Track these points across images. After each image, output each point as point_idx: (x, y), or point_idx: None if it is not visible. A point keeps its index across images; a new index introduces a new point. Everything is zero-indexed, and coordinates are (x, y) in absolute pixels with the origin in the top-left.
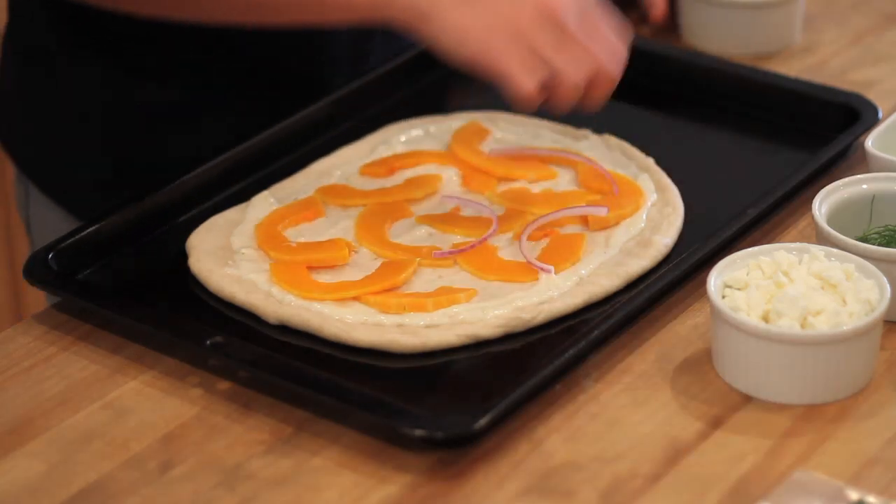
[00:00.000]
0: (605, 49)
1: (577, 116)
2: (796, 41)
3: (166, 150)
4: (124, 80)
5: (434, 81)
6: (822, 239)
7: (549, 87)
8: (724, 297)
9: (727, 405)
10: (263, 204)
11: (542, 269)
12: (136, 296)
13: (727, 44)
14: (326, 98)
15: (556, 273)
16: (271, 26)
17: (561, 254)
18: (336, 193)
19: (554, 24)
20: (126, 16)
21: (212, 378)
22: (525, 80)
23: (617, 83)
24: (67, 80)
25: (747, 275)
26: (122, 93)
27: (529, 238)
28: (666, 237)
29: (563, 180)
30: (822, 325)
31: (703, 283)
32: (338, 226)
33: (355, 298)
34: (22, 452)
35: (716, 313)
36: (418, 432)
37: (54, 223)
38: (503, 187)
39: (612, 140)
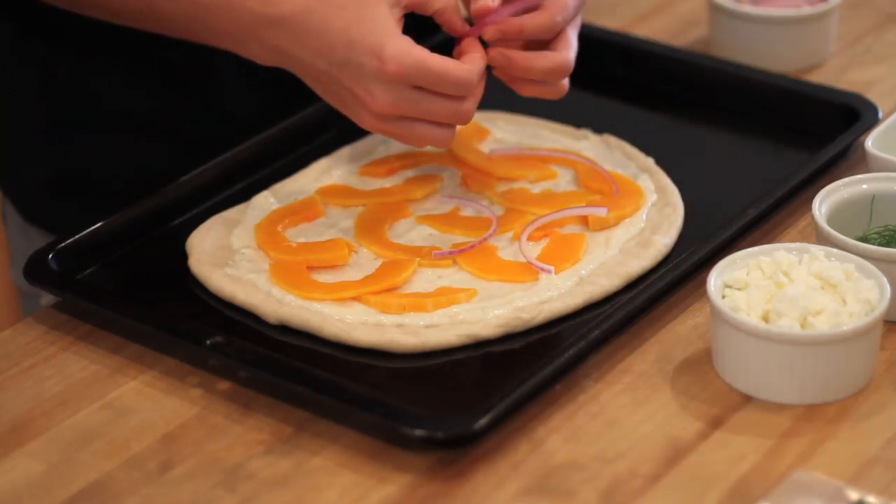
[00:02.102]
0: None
1: (578, 116)
2: (829, 56)
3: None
4: (76, 78)
5: None
6: (822, 239)
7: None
8: (724, 297)
9: (727, 405)
10: (263, 204)
11: (542, 269)
12: (136, 296)
13: (759, 60)
14: None
15: (556, 273)
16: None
17: (561, 254)
18: (336, 193)
19: (380, 117)
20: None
21: (212, 378)
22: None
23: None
24: (10, 77)
25: (747, 275)
26: (72, 91)
27: (529, 238)
28: (666, 237)
29: (563, 180)
30: (822, 325)
31: (703, 283)
32: (338, 226)
33: (355, 298)
34: (22, 452)
35: (716, 313)
36: (418, 432)
37: (15, 228)
38: (503, 187)
39: (612, 140)
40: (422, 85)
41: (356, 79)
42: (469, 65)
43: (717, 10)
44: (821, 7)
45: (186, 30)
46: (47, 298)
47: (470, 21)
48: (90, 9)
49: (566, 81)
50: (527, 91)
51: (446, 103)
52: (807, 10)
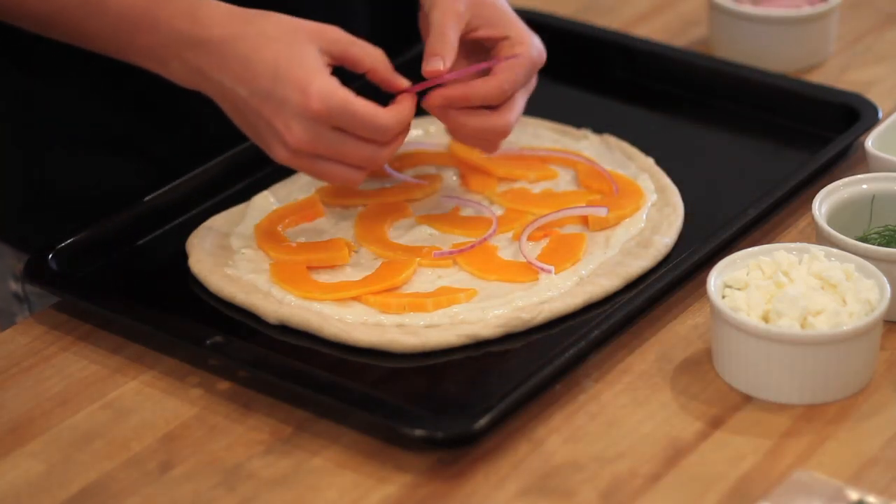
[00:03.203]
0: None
1: (578, 116)
2: (829, 56)
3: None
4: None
5: None
6: (822, 239)
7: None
8: (724, 297)
9: (727, 405)
10: (263, 204)
11: (542, 269)
12: (136, 296)
13: (758, 60)
14: None
15: (556, 273)
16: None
17: (561, 254)
18: (336, 193)
19: (306, 152)
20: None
21: (212, 378)
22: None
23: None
24: None
25: (747, 275)
26: (40, 108)
27: (529, 238)
28: (666, 237)
29: (563, 180)
30: (822, 325)
31: (703, 283)
32: (338, 226)
33: (355, 298)
34: (22, 452)
35: (716, 313)
36: (418, 432)
37: None
38: (503, 187)
39: (612, 140)
40: (343, 126)
41: (276, 111)
42: (394, 112)
43: (716, 9)
44: (820, 7)
45: (112, 47)
46: (22, 315)
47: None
48: (21, 21)
49: (500, 142)
50: (459, 139)
51: (364, 147)
52: (807, 10)
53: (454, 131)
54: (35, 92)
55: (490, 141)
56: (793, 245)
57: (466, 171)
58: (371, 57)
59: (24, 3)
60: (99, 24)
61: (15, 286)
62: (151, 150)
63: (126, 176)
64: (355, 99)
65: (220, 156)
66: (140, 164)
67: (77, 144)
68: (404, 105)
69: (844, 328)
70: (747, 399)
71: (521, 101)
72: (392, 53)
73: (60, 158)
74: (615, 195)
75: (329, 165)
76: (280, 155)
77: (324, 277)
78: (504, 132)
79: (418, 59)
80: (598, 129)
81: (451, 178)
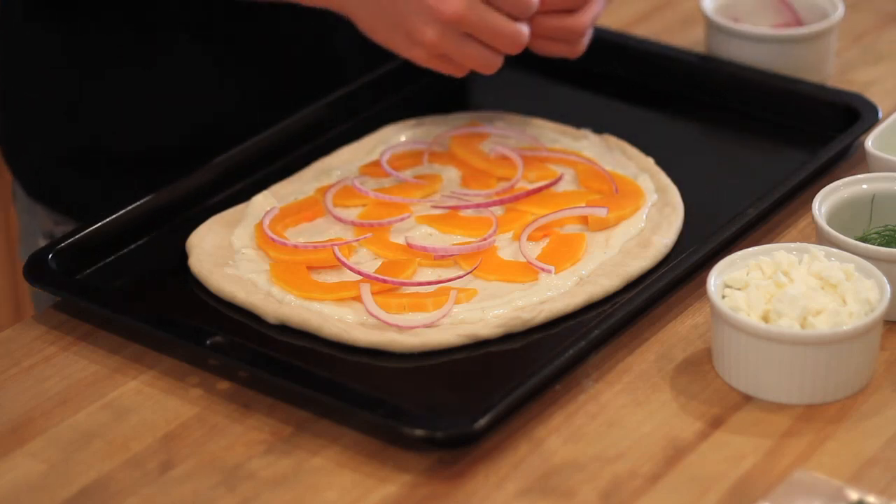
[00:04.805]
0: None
1: (578, 116)
2: (829, 76)
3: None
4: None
5: (434, 81)
6: (822, 239)
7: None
8: (724, 297)
9: (727, 405)
10: (263, 204)
11: (542, 269)
12: (136, 296)
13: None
14: (326, 98)
15: (556, 273)
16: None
17: (561, 254)
18: (336, 193)
19: (457, 26)
20: None
21: (212, 378)
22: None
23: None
24: (32, 47)
25: (747, 275)
26: (97, 65)
27: (529, 238)
28: (666, 237)
29: (563, 180)
30: (822, 325)
31: (703, 283)
32: (338, 226)
33: (355, 298)
34: (22, 452)
35: (716, 313)
36: (418, 432)
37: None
38: (503, 187)
39: (612, 140)
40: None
41: None
42: None
43: (714, 28)
44: (816, 27)
45: None
46: None
47: None
48: None
49: (583, 42)
50: (539, 45)
51: (510, 24)
52: (804, 29)
53: (536, 34)
54: (89, 45)
55: (568, 41)
56: (793, 245)
57: (466, 171)
58: None
59: None
60: None
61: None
62: (195, 111)
63: (172, 135)
64: None
65: (220, 156)
66: (187, 121)
67: (122, 104)
68: None
69: (844, 328)
70: (747, 399)
71: (598, 4)
72: (392, 54)
73: (107, 117)
74: (615, 195)
75: (473, 47)
76: (429, 35)
77: (324, 277)
78: (582, 31)
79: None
80: (598, 129)
81: (451, 178)
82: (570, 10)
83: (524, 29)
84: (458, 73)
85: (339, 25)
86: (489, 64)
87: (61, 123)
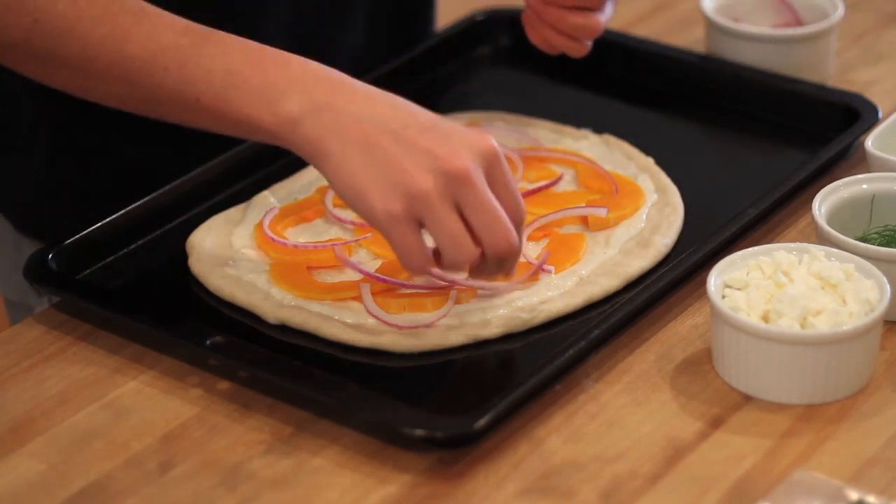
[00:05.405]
0: (513, 208)
1: (578, 116)
2: (829, 76)
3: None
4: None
5: (434, 81)
6: (822, 239)
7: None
8: (724, 297)
9: (727, 405)
10: (263, 204)
11: (542, 269)
12: (136, 296)
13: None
14: None
15: (556, 273)
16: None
17: (561, 254)
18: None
19: (459, 186)
20: None
21: (212, 378)
22: (414, 256)
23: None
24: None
25: (747, 275)
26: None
27: (529, 238)
28: (666, 237)
29: (563, 180)
30: (822, 325)
31: (703, 283)
32: (338, 226)
33: (355, 298)
34: (22, 452)
35: (716, 313)
36: (418, 432)
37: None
38: None
39: (612, 140)
40: (496, 181)
41: (443, 140)
42: None
43: (714, 28)
44: (814, 27)
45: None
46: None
47: None
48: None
49: (590, 42)
50: (556, 41)
51: (503, 214)
52: (805, 29)
53: (555, 29)
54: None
55: (580, 40)
56: (793, 245)
57: None
58: None
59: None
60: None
61: None
62: (184, 134)
63: (157, 162)
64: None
65: (220, 155)
66: (172, 148)
67: (108, 133)
68: None
69: (844, 328)
70: (747, 399)
71: (610, 7)
72: (391, 54)
73: (91, 147)
74: (615, 195)
75: (455, 221)
76: (425, 184)
77: (324, 277)
78: (598, 30)
79: (418, 59)
80: (598, 129)
81: None
82: (592, 9)
83: (515, 238)
84: (416, 253)
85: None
86: (460, 243)
87: (51, 157)
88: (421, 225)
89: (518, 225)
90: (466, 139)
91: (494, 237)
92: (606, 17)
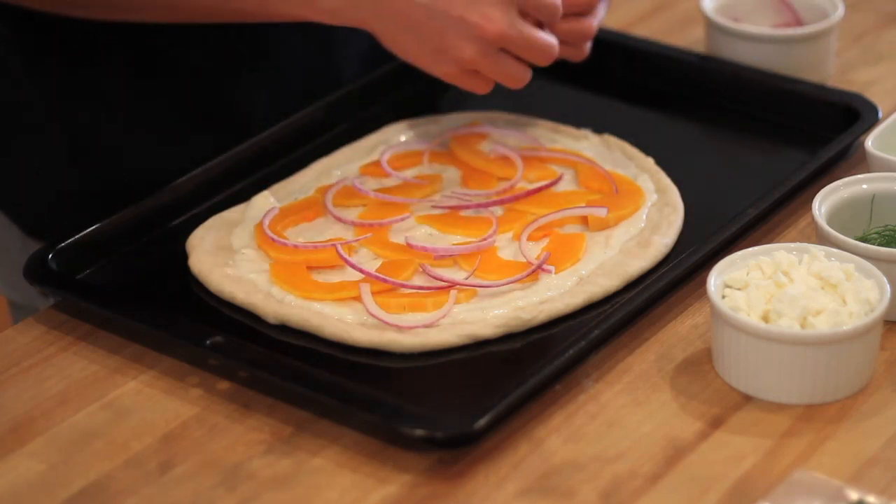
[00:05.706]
0: (540, 53)
1: (578, 116)
2: (829, 76)
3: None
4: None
5: (434, 81)
6: (822, 239)
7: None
8: (723, 297)
9: (727, 405)
10: (263, 204)
11: (542, 269)
12: (136, 296)
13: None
14: (326, 98)
15: (556, 273)
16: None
17: (561, 254)
18: (336, 193)
19: (499, 44)
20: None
21: (212, 378)
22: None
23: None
24: (27, 87)
25: (747, 275)
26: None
27: (529, 238)
28: (666, 237)
29: (563, 180)
30: (822, 325)
31: (703, 283)
32: (338, 226)
33: (355, 298)
34: (22, 452)
35: (716, 313)
36: (418, 432)
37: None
38: (503, 187)
39: (612, 140)
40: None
41: (471, 4)
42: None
43: (714, 28)
44: (814, 27)
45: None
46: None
47: None
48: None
49: (588, 45)
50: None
51: (545, 36)
52: (805, 29)
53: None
54: (81, 85)
55: (575, 45)
56: (793, 245)
57: (466, 171)
58: None
59: None
60: None
61: None
62: (196, 138)
63: (171, 164)
64: None
65: (221, 155)
66: (183, 150)
67: (122, 137)
68: None
69: (844, 328)
70: (747, 399)
71: (602, 9)
72: (390, 57)
73: (107, 151)
74: (615, 195)
75: (507, 62)
76: (467, 52)
77: (324, 277)
78: (590, 34)
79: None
80: (598, 129)
81: (451, 178)
82: (581, 14)
83: (555, 41)
84: (485, 90)
85: (346, 48)
86: (521, 78)
87: (66, 164)
88: None
89: (553, 22)
90: None
91: (545, 56)
92: (598, 20)
